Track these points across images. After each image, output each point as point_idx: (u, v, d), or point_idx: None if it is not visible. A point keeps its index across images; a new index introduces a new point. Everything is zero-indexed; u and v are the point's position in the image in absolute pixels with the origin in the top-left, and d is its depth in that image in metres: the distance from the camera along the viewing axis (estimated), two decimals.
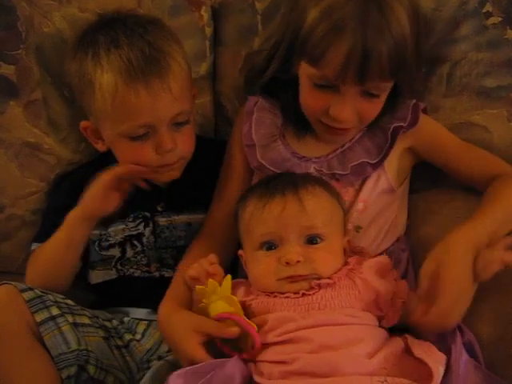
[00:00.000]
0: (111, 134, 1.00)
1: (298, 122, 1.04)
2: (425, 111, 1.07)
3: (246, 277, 0.95)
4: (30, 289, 0.92)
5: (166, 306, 0.92)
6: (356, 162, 1.01)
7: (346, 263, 0.92)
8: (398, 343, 0.86)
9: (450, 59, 1.10)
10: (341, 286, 0.88)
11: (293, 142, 1.05)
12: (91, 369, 0.94)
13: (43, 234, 1.06)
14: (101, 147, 1.05)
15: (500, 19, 1.09)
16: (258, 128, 1.05)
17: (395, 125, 1.01)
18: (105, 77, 0.96)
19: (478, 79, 1.10)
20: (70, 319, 0.93)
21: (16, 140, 1.10)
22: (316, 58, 0.91)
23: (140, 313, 1.04)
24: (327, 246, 0.90)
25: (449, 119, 1.11)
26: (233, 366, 0.82)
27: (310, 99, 0.97)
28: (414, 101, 1.04)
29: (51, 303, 0.92)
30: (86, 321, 0.97)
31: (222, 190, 1.07)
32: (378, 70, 0.89)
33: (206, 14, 1.15)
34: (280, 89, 1.03)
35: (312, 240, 0.90)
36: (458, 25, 1.09)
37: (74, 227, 1.00)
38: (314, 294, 0.87)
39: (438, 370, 0.81)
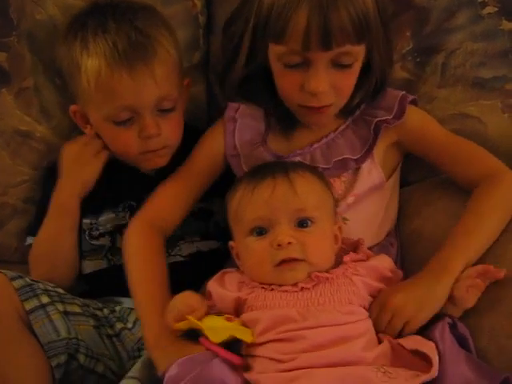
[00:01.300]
0: (96, 118, 1.01)
1: (282, 120, 1.03)
2: (415, 102, 1.06)
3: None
4: (20, 277, 0.92)
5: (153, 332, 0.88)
6: (339, 158, 1.01)
7: (342, 262, 0.90)
8: (389, 341, 0.86)
9: (444, 49, 1.10)
10: (339, 283, 0.87)
11: (275, 144, 1.04)
12: (81, 357, 0.94)
13: (38, 227, 1.06)
14: (89, 131, 1.05)
15: (496, 9, 1.08)
16: (241, 135, 1.04)
17: (378, 119, 1.01)
18: (90, 60, 0.97)
19: (472, 70, 1.10)
20: (61, 308, 0.93)
21: (7, 128, 1.10)
22: (280, 33, 0.91)
23: (132, 302, 1.02)
24: (318, 229, 0.89)
25: (443, 110, 1.11)
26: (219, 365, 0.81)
27: (284, 83, 0.97)
28: (403, 92, 1.03)
29: (41, 291, 0.92)
30: (77, 309, 0.97)
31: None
32: (341, 32, 0.90)
33: (199, 2, 1.14)
34: (257, 90, 1.02)
35: (303, 223, 0.88)
36: (453, 14, 1.09)
37: (69, 208, 1.02)
38: (312, 288, 0.86)
39: (436, 357, 0.81)
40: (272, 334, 0.84)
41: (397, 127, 1.02)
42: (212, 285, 0.91)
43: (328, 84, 0.94)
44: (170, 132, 1.02)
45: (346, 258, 0.91)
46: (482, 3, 1.08)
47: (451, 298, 0.89)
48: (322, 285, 0.87)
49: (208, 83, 1.19)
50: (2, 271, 0.92)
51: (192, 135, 1.07)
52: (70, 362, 0.93)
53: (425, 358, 0.82)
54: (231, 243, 0.94)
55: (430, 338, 0.84)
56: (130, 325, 1.02)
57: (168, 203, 1.02)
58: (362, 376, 0.77)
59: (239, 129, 1.04)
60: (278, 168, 0.92)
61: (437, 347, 0.82)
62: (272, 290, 0.87)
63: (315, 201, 0.90)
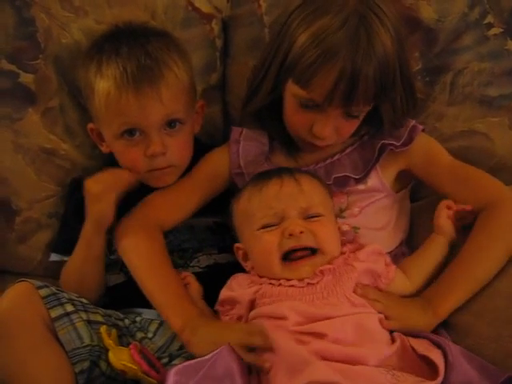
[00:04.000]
0: (108, 137, 1.06)
1: (285, 144, 1.07)
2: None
3: None
4: (46, 286, 0.95)
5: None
6: (339, 175, 1.04)
7: (341, 252, 0.95)
8: (399, 341, 0.88)
9: (452, 68, 1.14)
10: (341, 272, 0.91)
11: (281, 161, 1.08)
12: (103, 364, 0.95)
13: (61, 243, 1.10)
14: (104, 149, 1.10)
15: (501, 30, 1.12)
16: (245, 156, 1.08)
17: (385, 142, 1.03)
18: (101, 82, 1.02)
19: (480, 88, 1.14)
20: (84, 316, 0.96)
21: (33, 146, 1.13)
22: (305, 81, 0.94)
23: (152, 313, 1.05)
24: (326, 221, 0.94)
25: (452, 127, 1.14)
26: (228, 355, 0.84)
27: (295, 117, 1.00)
28: (414, 122, 1.05)
29: (66, 300, 0.95)
30: (100, 319, 0.99)
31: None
32: (364, 94, 0.93)
33: (216, 26, 1.19)
34: (264, 114, 1.05)
35: (310, 216, 0.94)
36: (460, 35, 1.13)
37: (92, 242, 1.05)
38: (317, 283, 0.90)
39: (442, 365, 0.84)
40: (291, 324, 0.86)
41: (405, 156, 1.04)
42: (223, 293, 0.96)
43: (333, 130, 0.98)
44: (176, 151, 1.05)
45: (345, 249, 0.95)
46: (488, 25, 1.12)
47: (437, 229, 0.98)
48: (325, 277, 0.90)
49: (224, 104, 1.23)
50: (29, 280, 0.94)
51: (203, 151, 1.11)
52: (92, 368, 0.95)
53: (431, 364, 0.84)
54: (237, 245, 0.98)
55: (435, 342, 0.87)
56: (150, 334, 1.04)
57: (166, 203, 1.06)
58: (372, 376, 0.80)
59: (243, 149, 1.08)
60: (283, 170, 0.98)
61: (444, 352, 0.85)
62: (280, 285, 0.91)
63: (320, 199, 0.96)
